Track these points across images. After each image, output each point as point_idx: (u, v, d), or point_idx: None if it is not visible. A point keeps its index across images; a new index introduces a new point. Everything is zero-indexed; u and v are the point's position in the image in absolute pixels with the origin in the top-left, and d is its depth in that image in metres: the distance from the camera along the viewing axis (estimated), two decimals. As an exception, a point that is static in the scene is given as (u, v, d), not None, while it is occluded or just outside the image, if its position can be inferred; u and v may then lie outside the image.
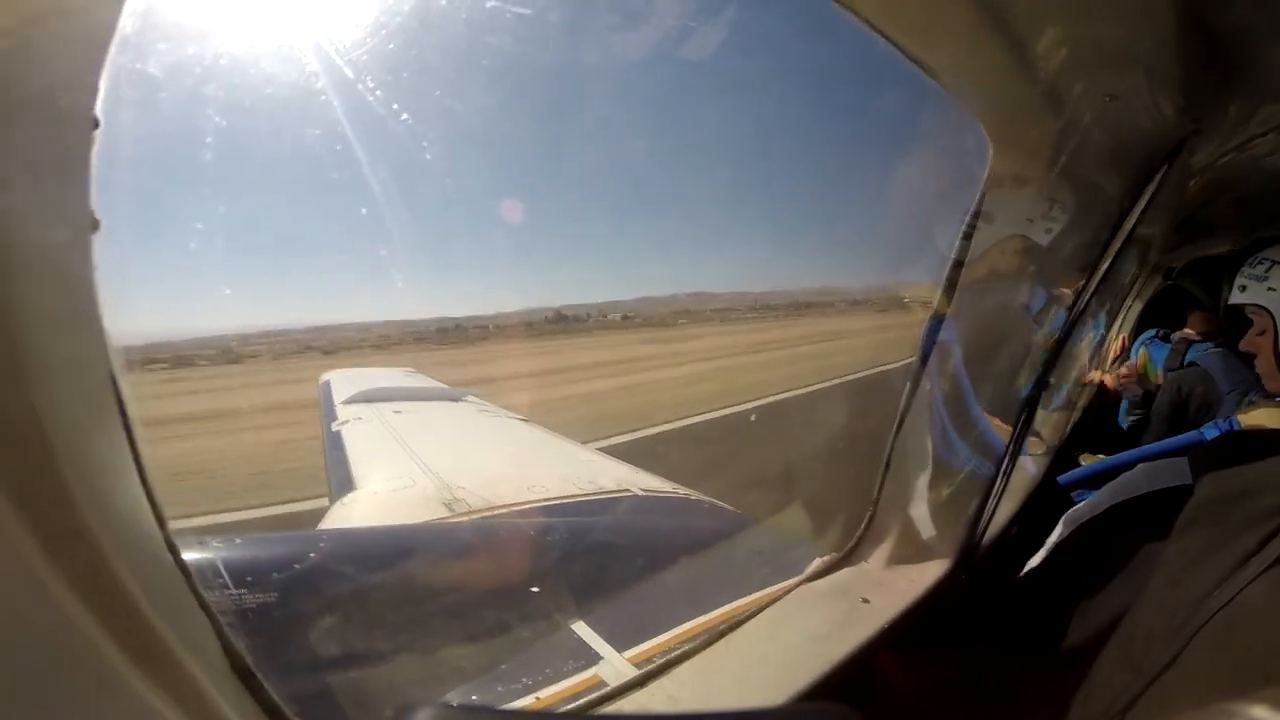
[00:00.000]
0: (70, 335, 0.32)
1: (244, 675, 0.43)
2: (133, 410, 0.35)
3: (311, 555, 1.28)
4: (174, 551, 0.39)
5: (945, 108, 0.81)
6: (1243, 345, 1.47)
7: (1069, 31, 0.68)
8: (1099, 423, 2.41)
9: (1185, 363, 1.99)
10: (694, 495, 2.13)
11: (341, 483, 2.01)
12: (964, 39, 0.63)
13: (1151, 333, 2.28)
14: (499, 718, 0.59)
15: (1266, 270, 1.36)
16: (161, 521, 0.38)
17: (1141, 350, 2.26)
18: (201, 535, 1.17)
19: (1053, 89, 0.75)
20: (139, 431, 0.35)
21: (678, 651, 0.83)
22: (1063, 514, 1.19)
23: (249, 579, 1.12)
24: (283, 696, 0.48)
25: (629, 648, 1.11)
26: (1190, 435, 1.45)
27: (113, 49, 0.30)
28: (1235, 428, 1.39)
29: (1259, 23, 0.75)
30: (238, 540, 1.26)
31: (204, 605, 0.41)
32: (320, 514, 1.91)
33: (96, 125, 0.32)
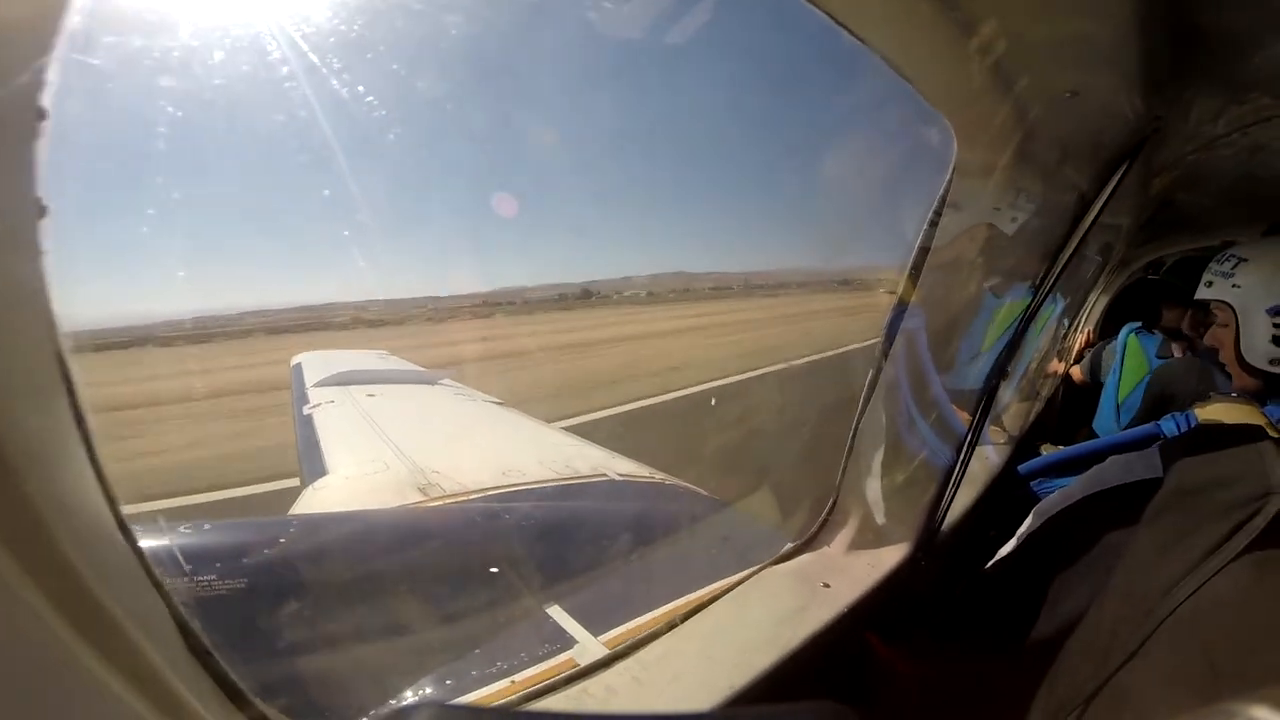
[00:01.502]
0: (13, 320, 0.32)
1: (201, 655, 0.44)
2: (83, 394, 0.35)
3: (282, 540, 1.27)
4: (127, 534, 0.39)
5: (911, 101, 0.81)
6: (1207, 339, 1.50)
7: (1031, 28, 0.69)
8: (1065, 414, 2.46)
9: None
10: (669, 480, 2.14)
11: (313, 467, 1.98)
12: (927, 34, 0.63)
13: (1136, 324, 2.29)
14: (498, 717, 0.59)
15: (1233, 267, 1.37)
16: (113, 504, 0.38)
17: (1131, 338, 2.26)
18: (165, 520, 1.15)
19: (1014, 84, 0.76)
20: (90, 416, 0.35)
21: (643, 633, 0.85)
22: (1023, 503, 1.23)
23: (219, 564, 1.11)
24: (249, 678, 0.48)
25: (602, 631, 1.13)
26: (1147, 428, 1.48)
27: (64, 38, 0.30)
28: (1193, 422, 1.43)
29: (1223, 24, 0.76)
30: (207, 525, 1.25)
31: (159, 588, 0.41)
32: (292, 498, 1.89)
33: (44, 116, 0.32)
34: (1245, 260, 1.36)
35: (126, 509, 0.40)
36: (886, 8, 0.60)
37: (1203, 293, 1.46)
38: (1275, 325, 1.32)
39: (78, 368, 0.35)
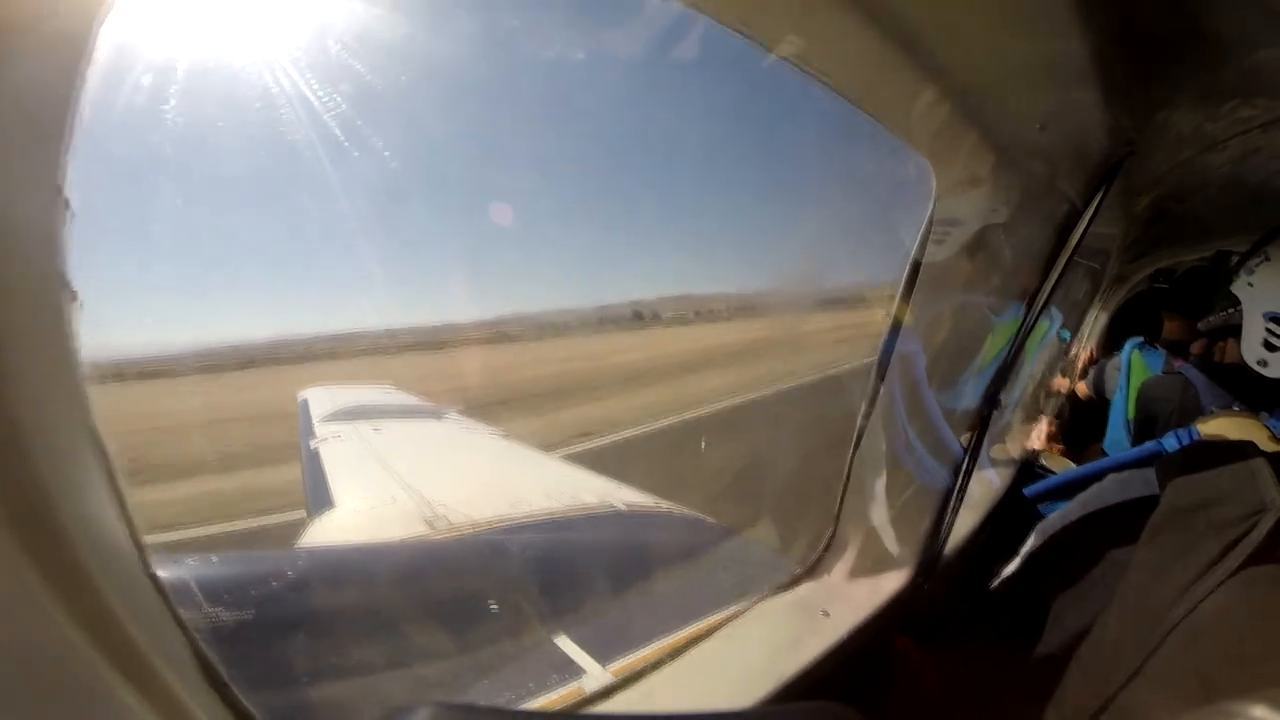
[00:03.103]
0: (44, 356, 0.34)
1: (218, 685, 0.45)
2: (102, 427, 0.37)
3: (290, 573, 1.28)
4: (148, 568, 0.41)
5: (891, 140, 0.84)
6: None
7: (992, 62, 0.71)
8: (1074, 430, 2.44)
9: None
10: (676, 509, 2.13)
11: (320, 501, 2.00)
12: (890, 74, 0.66)
13: (1139, 340, 2.24)
14: (498, 717, 0.59)
15: (1257, 264, 1.38)
16: (137, 540, 0.40)
17: (1134, 354, 2.22)
18: (179, 552, 1.17)
19: (984, 117, 0.78)
20: (112, 453, 0.37)
21: (644, 664, 0.85)
22: (1029, 523, 1.22)
23: (228, 596, 1.13)
24: (259, 708, 0.50)
25: (610, 662, 1.12)
26: (1150, 446, 1.46)
27: (98, 55, 0.33)
28: (1195, 437, 1.42)
29: (1189, 38, 0.76)
30: (215, 558, 1.27)
31: (178, 619, 0.43)
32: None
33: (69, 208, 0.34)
34: (1268, 261, 1.36)
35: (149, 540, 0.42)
36: (846, 51, 0.62)
37: (1233, 285, 1.46)
38: (1268, 330, 1.33)
39: (97, 401, 0.37)
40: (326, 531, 1.80)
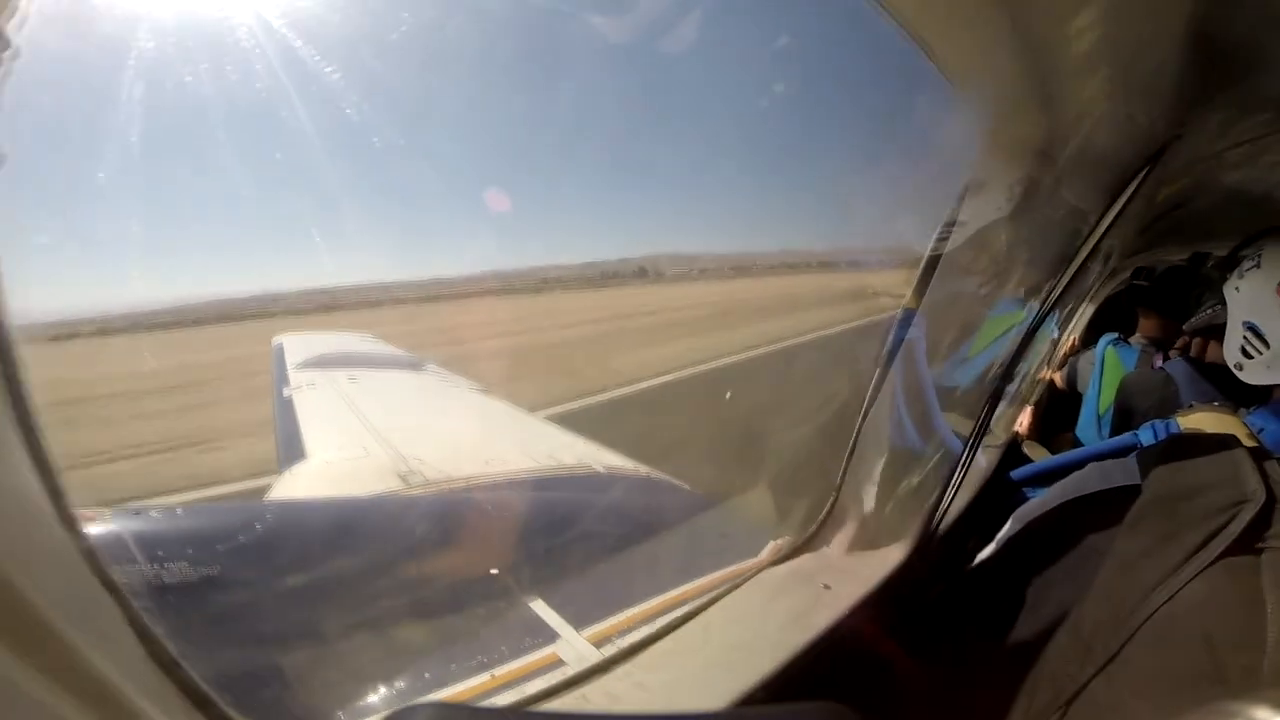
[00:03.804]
0: None
1: (165, 664, 0.39)
2: (25, 374, 0.31)
3: (257, 527, 1.22)
4: (71, 526, 0.34)
5: (940, 95, 0.79)
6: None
7: (1076, 31, 0.67)
8: (1047, 418, 2.49)
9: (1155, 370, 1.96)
10: (655, 474, 2.12)
11: (291, 451, 1.92)
12: (975, 27, 0.61)
13: (1113, 335, 2.27)
14: (499, 717, 0.58)
15: (1248, 268, 1.37)
16: (55, 493, 0.33)
17: (1109, 349, 2.25)
18: (121, 507, 1.09)
19: (1051, 86, 0.74)
20: (34, 400, 0.31)
21: (643, 635, 0.82)
22: (1009, 507, 1.23)
23: (190, 550, 1.06)
24: (217, 684, 0.43)
25: (587, 626, 1.10)
26: (1126, 437, 1.49)
27: None
28: (1174, 430, 1.44)
29: (1254, 38, 0.75)
30: (179, 510, 1.20)
31: (111, 587, 0.37)
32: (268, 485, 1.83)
33: (7, 46, 0.27)
34: (1257, 267, 1.36)
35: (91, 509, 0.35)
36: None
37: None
38: (1245, 339, 1.34)
39: (23, 351, 0.31)
40: (296, 483, 1.73)
